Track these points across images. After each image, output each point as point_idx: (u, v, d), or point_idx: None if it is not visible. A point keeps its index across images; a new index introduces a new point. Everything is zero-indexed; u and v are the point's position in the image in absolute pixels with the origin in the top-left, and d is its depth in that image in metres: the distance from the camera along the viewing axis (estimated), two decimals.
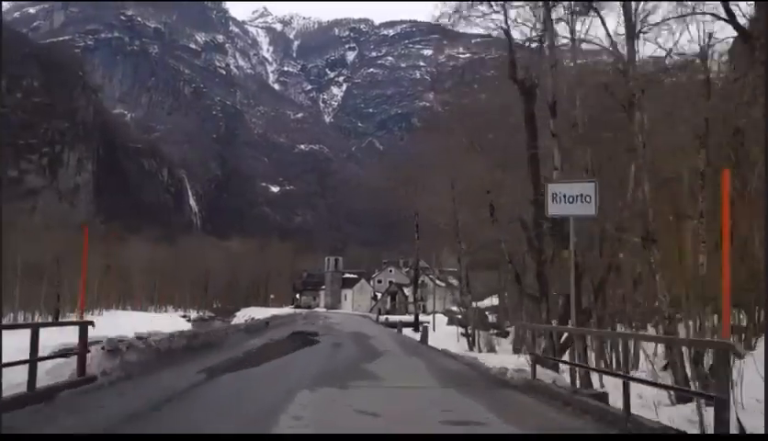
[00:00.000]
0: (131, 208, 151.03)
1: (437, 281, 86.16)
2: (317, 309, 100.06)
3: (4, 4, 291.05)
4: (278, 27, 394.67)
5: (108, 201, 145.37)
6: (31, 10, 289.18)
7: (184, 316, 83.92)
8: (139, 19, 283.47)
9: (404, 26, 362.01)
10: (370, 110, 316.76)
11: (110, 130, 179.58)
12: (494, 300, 41.86)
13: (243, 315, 72.12)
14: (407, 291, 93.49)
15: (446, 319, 49.07)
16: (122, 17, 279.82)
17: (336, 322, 46.37)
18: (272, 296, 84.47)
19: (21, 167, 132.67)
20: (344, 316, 70.54)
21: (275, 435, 6.35)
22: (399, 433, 6.49)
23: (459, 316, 39.19)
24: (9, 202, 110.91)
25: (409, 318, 56.90)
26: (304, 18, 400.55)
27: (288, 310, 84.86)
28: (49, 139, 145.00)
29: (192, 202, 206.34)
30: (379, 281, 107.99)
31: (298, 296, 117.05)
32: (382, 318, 65.85)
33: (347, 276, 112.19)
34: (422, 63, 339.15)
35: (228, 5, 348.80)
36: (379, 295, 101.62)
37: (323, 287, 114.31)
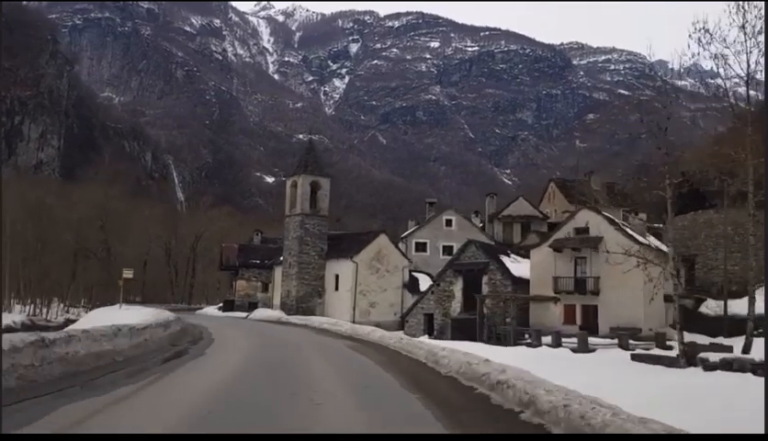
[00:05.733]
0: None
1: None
2: (265, 311, 51.97)
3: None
4: (280, 18, 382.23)
5: (77, 183, 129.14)
6: None
7: None
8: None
9: (410, 17, 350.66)
10: (373, 103, 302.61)
11: (87, 108, 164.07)
12: None
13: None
14: (514, 268, 38.79)
15: None
16: None
17: None
18: (127, 273, 37.08)
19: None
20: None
21: (274, 435, 7.03)
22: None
23: None
24: None
25: None
26: (307, 11, 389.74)
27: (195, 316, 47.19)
28: (6, 107, 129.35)
29: (178, 190, 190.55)
30: (420, 245, 54.16)
31: (234, 282, 64.19)
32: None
33: (343, 233, 57.13)
34: (428, 56, 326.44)
35: None
36: (423, 279, 48.37)
37: (282, 259, 53.20)
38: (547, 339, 28.41)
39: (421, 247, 54.27)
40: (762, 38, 16.99)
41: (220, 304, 65.03)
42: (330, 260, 50.70)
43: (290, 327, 37.77)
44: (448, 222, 55.24)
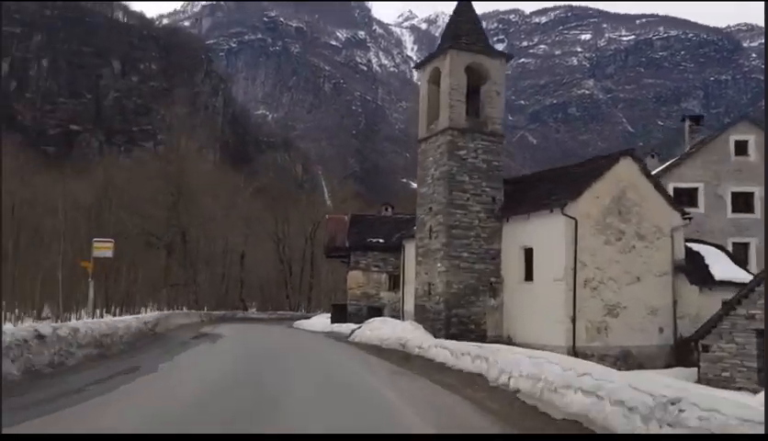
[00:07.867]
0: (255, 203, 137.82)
1: None
2: (384, 325, 25.10)
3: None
4: (423, 26, 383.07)
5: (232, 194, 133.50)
6: (186, 23, 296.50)
7: None
8: (281, 20, 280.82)
9: (558, 11, 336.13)
10: (522, 102, 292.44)
11: (241, 125, 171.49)
12: None
13: None
14: None
15: None
16: (265, 19, 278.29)
17: None
18: (99, 249, 22.72)
19: (135, 155, 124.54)
20: None
21: (273, 434, 6.77)
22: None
23: None
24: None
25: None
26: (450, 16, 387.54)
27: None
28: (166, 125, 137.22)
29: (327, 197, 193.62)
30: (684, 193, 27.71)
31: (350, 272, 39.24)
32: None
33: (532, 174, 30.80)
34: (579, 49, 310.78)
35: (372, 7, 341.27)
36: (711, 256, 22.76)
37: (416, 226, 26.68)
38: None
39: (685, 197, 27.49)
40: None
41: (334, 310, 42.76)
42: (512, 220, 23.86)
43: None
44: (740, 148, 28.43)
